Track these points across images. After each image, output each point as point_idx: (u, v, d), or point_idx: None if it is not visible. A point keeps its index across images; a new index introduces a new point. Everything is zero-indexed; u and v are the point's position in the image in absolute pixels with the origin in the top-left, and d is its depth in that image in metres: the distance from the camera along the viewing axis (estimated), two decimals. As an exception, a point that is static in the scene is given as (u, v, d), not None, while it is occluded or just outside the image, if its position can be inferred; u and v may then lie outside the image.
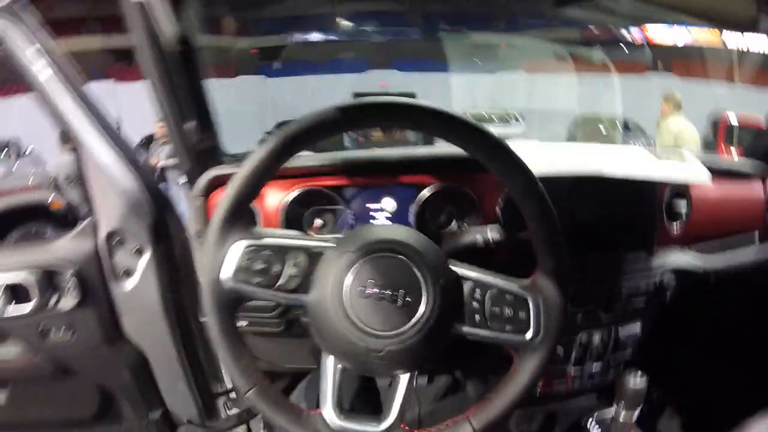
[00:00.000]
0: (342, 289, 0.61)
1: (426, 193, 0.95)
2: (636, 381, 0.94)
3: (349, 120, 0.65)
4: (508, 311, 0.64)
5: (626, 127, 11.62)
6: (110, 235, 0.87)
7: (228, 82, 14.59)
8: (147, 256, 0.88)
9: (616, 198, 1.07)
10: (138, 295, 0.90)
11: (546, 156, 0.96)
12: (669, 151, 1.19)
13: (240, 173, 0.64)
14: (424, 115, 0.65)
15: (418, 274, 0.61)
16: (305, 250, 0.64)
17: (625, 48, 15.76)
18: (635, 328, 1.14)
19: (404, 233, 0.67)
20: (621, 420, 0.98)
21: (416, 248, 0.63)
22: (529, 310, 0.64)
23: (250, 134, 12.07)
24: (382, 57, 16.17)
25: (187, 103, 0.88)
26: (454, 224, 0.97)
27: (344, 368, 0.64)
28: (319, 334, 0.64)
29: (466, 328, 0.65)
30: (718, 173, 1.26)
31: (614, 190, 1.05)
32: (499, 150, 0.66)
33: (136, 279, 0.89)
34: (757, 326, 1.48)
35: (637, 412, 0.97)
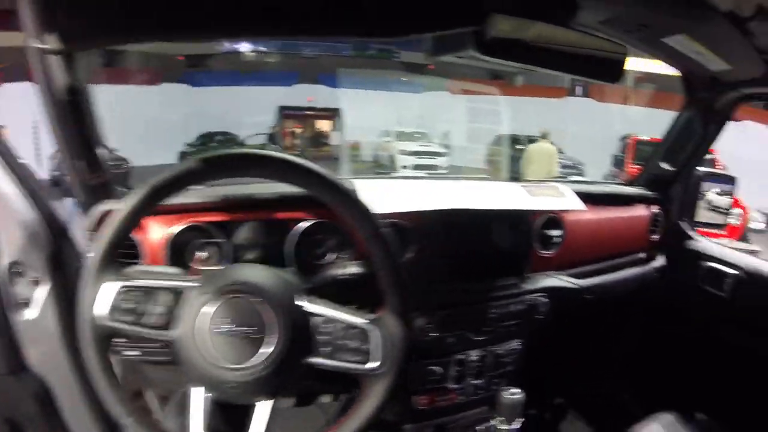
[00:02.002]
0: (201, 327, 0.65)
1: (301, 227, 0.99)
2: (512, 395, 0.97)
3: (211, 172, 0.71)
4: (353, 343, 0.69)
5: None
6: (10, 266, 0.90)
7: (151, 90, 13.94)
8: (45, 286, 0.91)
9: (489, 230, 1.15)
10: (38, 325, 0.92)
11: (427, 194, 1.06)
12: (544, 185, 1.27)
13: (112, 220, 0.70)
14: (280, 167, 0.72)
15: (268, 313, 0.66)
16: (171, 290, 0.68)
17: (546, 72, 16.40)
18: (514, 345, 1.21)
19: (258, 274, 0.71)
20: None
21: (266, 289, 0.68)
22: (372, 342, 0.70)
23: (171, 144, 11.26)
24: (311, 71, 15.69)
25: (79, 142, 0.90)
26: (329, 257, 1.02)
27: (210, 395, 0.69)
28: (184, 367, 0.68)
29: (314, 360, 0.69)
30: (605, 200, 1.43)
31: (487, 223, 1.14)
32: (348, 200, 0.72)
33: (36, 309, 0.92)
34: (632, 339, 1.71)
35: (516, 424, 0.99)
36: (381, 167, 11.77)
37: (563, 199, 1.20)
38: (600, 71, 0.89)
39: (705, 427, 1.26)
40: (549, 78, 16.29)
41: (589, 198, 1.31)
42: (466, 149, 11.84)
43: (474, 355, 1.15)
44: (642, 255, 1.55)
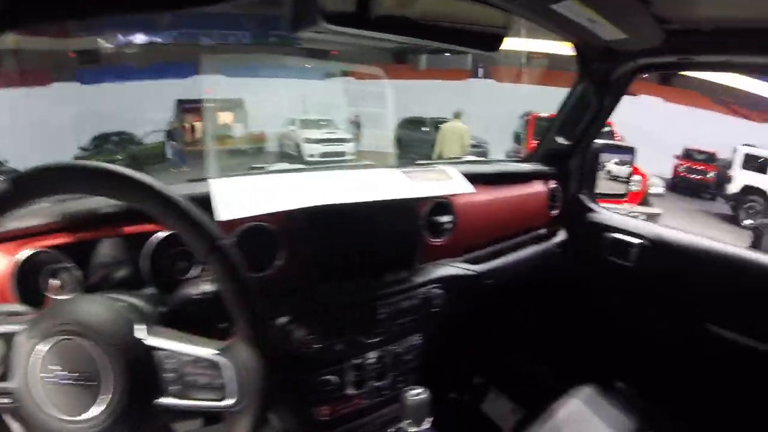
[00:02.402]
0: (33, 375, 0.59)
1: (155, 241, 0.86)
2: (416, 396, 0.90)
3: (35, 190, 0.61)
4: (204, 379, 0.62)
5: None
6: None
7: (41, 91, 12.54)
8: None
9: (370, 223, 1.05)
10: None
11: (297, 189, 0.93)
12: (429, 168, 1.18)
13: None
14: (83, 177, 0.61)
15: (99, 355, 0.59)
16: (2, 336, 0.61)
17: (449, 55, 17.02)
18: (414, 341, 1.14)
19: (88, 310, 0.63)
20: None
21: (96, 327, 0.60)
22: (225, 376, 0.62)
23: (65, 148, 10.19)
24: (210, 62, 14.86)
25: None
26: (193, 271, 0.89)
27: None
28: (27, 421, 0.62)
29: (165, 400, 0.62)
30: (500, 179, 1.40)
31: (367, 216, 1.04)
32: (173, 210, 0.62)
33: None
34: (542, 316, 1.74)
35: (426, 424, 0.92)
36: (287, 158, 11.45)
37: (450, 183, 1.13)
38: (479, 42, 0.84)
39: (623, 395, 1.23)
40: (452, 60, 16.91)
41: (483, 178, 1.30)
42: (372, 134, 11.62)
43: (371, 357, 1.08)
44: (543, 231, 1.54)
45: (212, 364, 0.62)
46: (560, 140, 1.57)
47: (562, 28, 1.17)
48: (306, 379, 0.99)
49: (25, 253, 0.80)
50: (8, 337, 0.61)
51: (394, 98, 11.07)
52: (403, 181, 1.06)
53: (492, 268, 1.27)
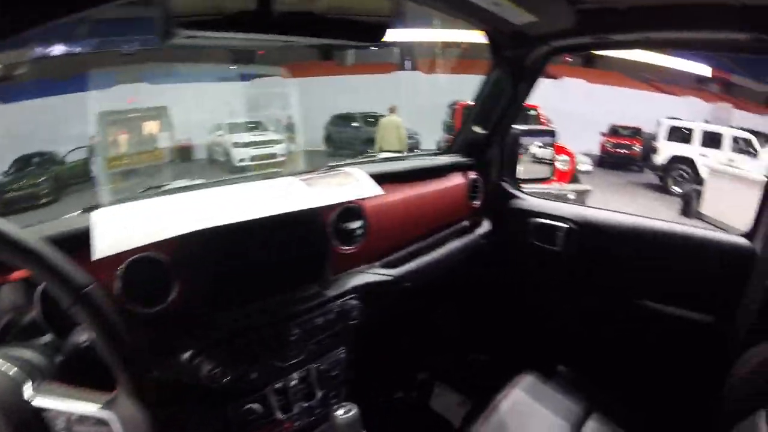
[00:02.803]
0: None
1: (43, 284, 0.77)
2: (344, 414, 0.88)
3: None
4: None
5: (377, 121, 12.05)
6: None
7: None
8: None
9: (270, 239, 0.97)
10: None
11: (191, 211, 0.84)
12: (333, 173, 1.11)
13: None
14: None
15: None
16: None
17: (376, 49, 16.91)
18: (338, 355, 1.08)
19: None
20: None
21: None
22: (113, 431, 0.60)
23: None
24: (131, 69, 14.15)
25: None
26: None
27: None
28: None
29: None
30: (417, 175, 1.34)
31: (266, 232, 0.95)
32: (33, 257, 0.57)
33: None
34: (474, 308, 1.71)
35: None
36: (217, 164, 11.13)
37: (355, 187, 1.05)
38: (363, 34, 0.79)
39: (565, 379, 1.23)
40: (379, 54, 16.96)
41: (397, 176, 1.27)
42: (303, 132, 11.44)
43: (294, 378, 1.01)
44: (466, 224, 1.50)
45: (99, 420, 0.61)
46: (478, 129, 1.55)
47: (469, 15, 1.14)
48: (227, 412, 0.91)
49: None
50: None
51: (298, 98, 11.04)
52: (303, 191, 0.99)
53: (410, 270, 1.21)
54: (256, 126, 11.53)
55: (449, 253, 1.34)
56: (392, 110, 8.11)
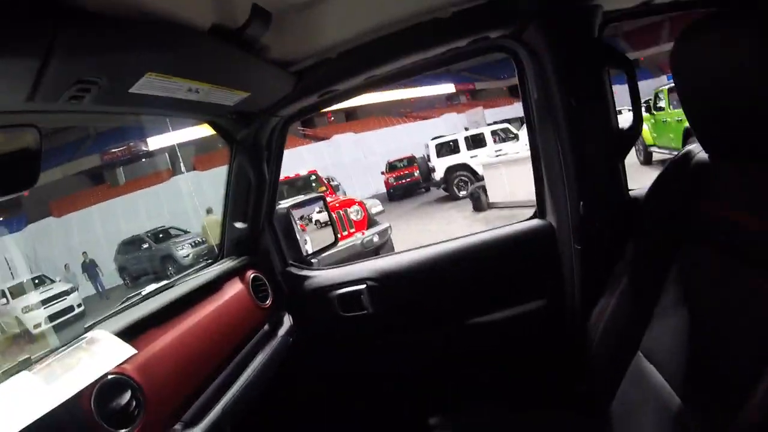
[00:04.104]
0: None
1: None
2: None
3: None
4: None
5: (168, 234, 11.58)
6: None
7: None
8: None
9: None
10: None
11: None
12: (73, 346, 0.89)
13: None
14: None
15: None
16: None
17: (147, 160, 16.52)
18: None
19: None
20: None
21: None
22: None
23: None
24: None
25: None
26: None
27: None
28: None
29: None
30: (190, 299, 1.13)
31: None
32: None
33: None
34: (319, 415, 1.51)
35: None
36: (16, 338, 9.50)
37: (101, 356, 0.86)
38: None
39: (432, 427, 1.15)
40: (150, 164, 16.55)
41: (165, 313, 1.05)
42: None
43: None
44: (266, 328, 1.34)
45: None
46: (239, 225, 1.41)
47: (172, 109, 1.00)
48: None
49: None
50: None
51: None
52: (34, 389, 0.78)
53: (219, 417, 1.00)
54: (40, 281, 10.30)
55: (260, 370, 1.17)
56: (209, 211, 8.97)
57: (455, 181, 10.87)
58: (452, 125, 16.46)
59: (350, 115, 18.99)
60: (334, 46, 1.04)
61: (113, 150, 15.51)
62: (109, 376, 0.85)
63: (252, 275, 1.36)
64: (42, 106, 0.70)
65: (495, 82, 23.42)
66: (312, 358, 1.49)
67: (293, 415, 1.53)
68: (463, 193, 10.31)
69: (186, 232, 11.64)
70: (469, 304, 1.37)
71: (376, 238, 5.59)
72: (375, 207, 7.17)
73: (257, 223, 1.44)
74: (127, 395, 0.86)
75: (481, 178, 8.88)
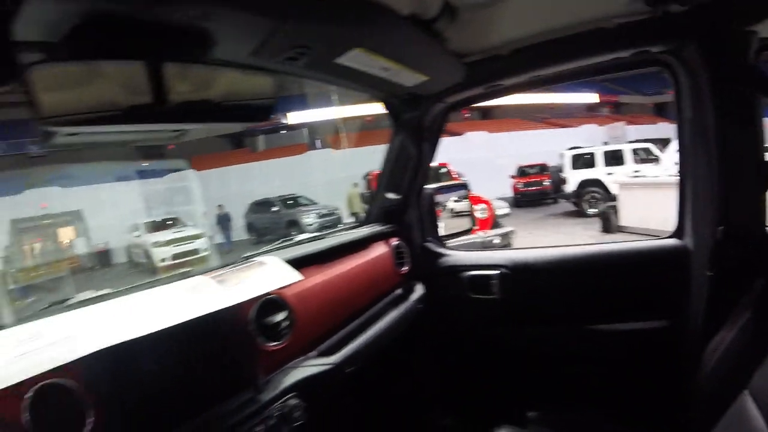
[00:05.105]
0: None
1: None
2: None
3: None
4: None
5: (297, 202, 12.28)
6: None
7: None
8: None
9: (188, 349, 0.85)
10: None
11: (94, 327, 0.75)
12: (244, 265, 1.04)
13: None
14: None
15: None
16: None
17: (286, 132, 17.82)
18: None
19: None
20: None
21: None
22: None
23: None
24: (40, 172, 13.58)
25: None
26: None
27: None
28: None
29: None
30: (338, 252, 1.29)
31: (182, 341, 0.84)
32: None
33: None
34: (424, 371, 1.66)
35: None
36: (139, 266, 10.63)
37: (271, 276, 0.99)
38: (251, 116, 0.82)
39: (539, 423, 1.22)
40: (288, 137, 17.71)
41: (318, 258, 1.21)
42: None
43: None
44: (399, 292, 1.46)
45: None
46: (391, 196, 1.55)
47: (359, 82, 1.10)
48: None
49: None
50: None
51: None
52: (214, 290, 0.92)
53: (351, 354, 1.12)
54: (173, 222, 11.21)
55: (389, 326, 1.28)
56: (356, 185, 10.41)
57: (586, 197, 10.18)
58: (590, 137, 15.36)
59: (486, 113, 18.58)
60: (506, 43, 1.12)
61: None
62: (272, 295, 1.02)
63: (395, 242, 1.50)
64: (262, 62, 0.82)
65: (640, 97, 21.69)
66: (435, 328, 1.59)
67: (410, 372, 1.64)
68: (592, 210, 9.75)
69: (314, 203, 12.24)
70: (591, 310, 1.39)
71: (497, 240, 5.50)
72: (501, 209, 7.01)
73: (408, 197, 1.56)
74: (282, 315, 1.03)
75: (614, 198, 8.42)
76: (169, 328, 0.78)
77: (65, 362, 0.67)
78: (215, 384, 0.90)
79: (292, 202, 12.00)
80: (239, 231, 11.84)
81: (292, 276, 1.00)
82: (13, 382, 0.63)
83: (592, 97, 20.63)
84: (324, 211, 10.99)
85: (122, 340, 0.73)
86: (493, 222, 6.29)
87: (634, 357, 1.34)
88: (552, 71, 1.25)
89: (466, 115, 19.21)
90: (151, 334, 0.76)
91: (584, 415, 1.27)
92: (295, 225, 10.74)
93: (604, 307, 1.37)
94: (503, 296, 1.46)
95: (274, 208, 11.58)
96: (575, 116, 19.78)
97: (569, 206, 10.74)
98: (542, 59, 1.18)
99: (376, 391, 1.48)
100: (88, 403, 0.71)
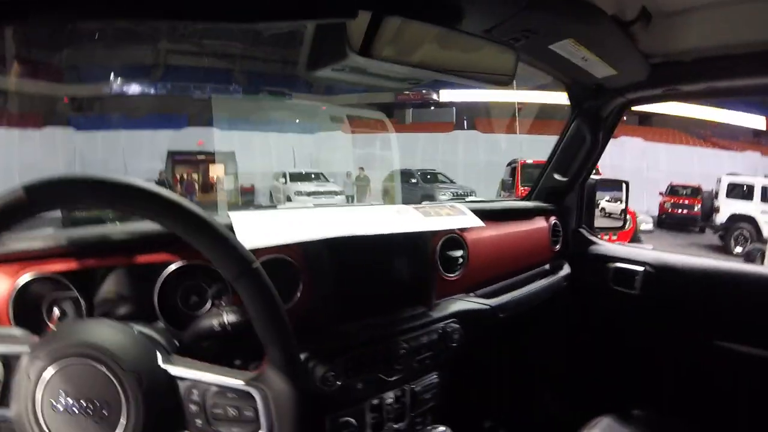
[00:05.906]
0: (35, 404, 0.52)
1: (167, 272, 0.81)
2: None
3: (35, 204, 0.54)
4: (232, 411, 0.57)
5: (435, 178, 12.37)
6: None
7: (33, 134, 12.60)
8: None
9: (387, 258, 1.04)
10: None
11: (314, 222, 0.91)
12: (439, 205, 1.18)
13: None
14: (108, 191, 0.56)
15: (116, 381, 0.53)
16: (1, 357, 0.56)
17: (434, 109, 17.93)
18: (432, 379, 1.10)
19: (104, 333, 0.57)
20: None
21: (113, 351, 0.54)
22: (256, 406, 0.57)
23: None
24: (202, 114, 15.03)
25: None
26: (208, 305, 0.85)
27: None
28: None
29: None
30: (504, 215, 1.43)
31: (384, 250, 1.03)
32: (206, 232, 0.58)
33: None
34: (553, 349, 1.70)
35: None
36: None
37: (461, 218, 1.14)
38: (492, 76, 0.87)
39: (642, 422, 1.23)
40: (436, 114, 17.76)
41: (488, 215, 1.28)
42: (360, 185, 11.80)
43: (390, 397, 1.02)
44: (547, 266, 1.56)
45: (241, 395, 0.58)
46: (557, 177, 1.61)
47: (557, 68, 1.22)
48: (324, 422, 0.91)
49: (26, 277, 0.76)
50: (8, 360, 0.55)
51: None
52: (417, 216, 1.07)
53: (505, 302, 1.25)
54: (317, 177, 11.92)
55: (536, 292, 1.39)
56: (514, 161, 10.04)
57: (735, 233, 9.20)
58: (752, 166, 13.99)
59: (644, 119, 17.15)
60: (691, 50, 1.13)
61: (407, 92, 16.73)
62: (454, 234, 1.19)
63: (554, 221, 1.58)
64: (491, 37, 0.87)
65: (818, 131, 18.27)
66: (570, 310, 1.63)
67: (541, 344, 1.70)
68: (738, 249, 8.82)
69: (452, 182, 12.34)
70: (730, 328, 1.35)
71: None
72: (645, 224, 6.80)
73: (575, 181, 1.61)
74: (459, 252, 1.20)
75: (765, 241, 7.70)
76: (382, 235, 0.94)
77: (299, 241, 0.83)
78: (402, 292, 1.07)
79: (431, 176, 12.18)
80: (376, 194, 12.24)
81: (476, 221, 1.14)
82: (256, 246, 0.73)
83: (758, 121, 18.08)
84: (460, 191, 10.96)
85: (345, 234, 0.88)
86: (633, 235, 6.04)
87: (753, 384, 1.30)
88: (728, 84, 1.25)
89: (623, 119, 17.67)
90: (366, 236, 0.91)
91: (691, 428, 1.29)
92: (429, 199, 10.82)
93: (738, 327, 1.33)
94: (643, 293, 1.49)
95: (413, 180, 11.79)
96: (738, 140, 17.52)
97: (715, 239, 9.73)
98: (722, 72, 1.17)
99: (513, 345, 1.57)
100: (301, 279, 0.90)
